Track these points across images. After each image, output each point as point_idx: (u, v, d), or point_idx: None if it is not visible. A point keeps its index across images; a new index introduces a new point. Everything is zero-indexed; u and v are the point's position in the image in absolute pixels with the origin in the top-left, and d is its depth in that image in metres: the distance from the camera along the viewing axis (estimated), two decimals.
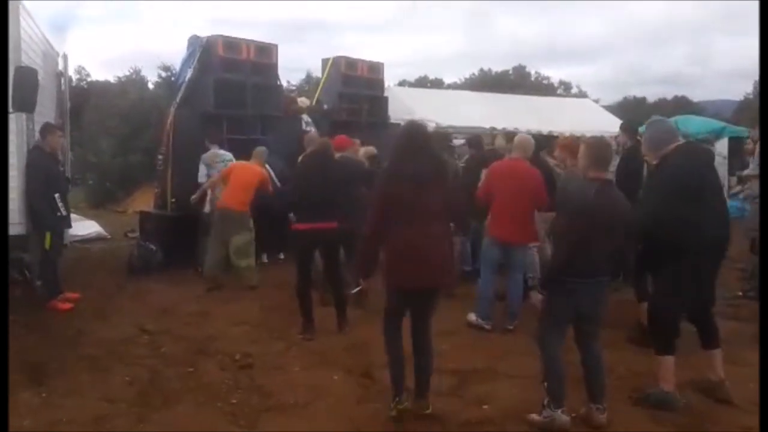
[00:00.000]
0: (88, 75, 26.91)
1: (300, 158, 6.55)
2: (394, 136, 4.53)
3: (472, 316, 5.94)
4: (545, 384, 3.88)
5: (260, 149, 7.83)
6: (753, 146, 9.85)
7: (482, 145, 8.09)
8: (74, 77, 23.24)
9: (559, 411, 3.80)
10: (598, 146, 4.06)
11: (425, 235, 3.80)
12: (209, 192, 7.82)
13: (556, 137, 9.55)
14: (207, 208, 7.92)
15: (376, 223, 3.92)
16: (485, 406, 4.20)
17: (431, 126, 12.19)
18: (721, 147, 13.48)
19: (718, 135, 14.06)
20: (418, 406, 3.97)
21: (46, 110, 7.20)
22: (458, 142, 12.27)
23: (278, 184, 8.24)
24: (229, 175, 7.41)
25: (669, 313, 4.20)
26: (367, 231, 3.99)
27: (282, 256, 8.81)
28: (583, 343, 3.95)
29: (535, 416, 3.90)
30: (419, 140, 4.00)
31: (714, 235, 4.15)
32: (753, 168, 7.05)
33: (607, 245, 3.79)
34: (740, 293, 7.03)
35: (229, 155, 8.16)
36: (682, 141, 4.46)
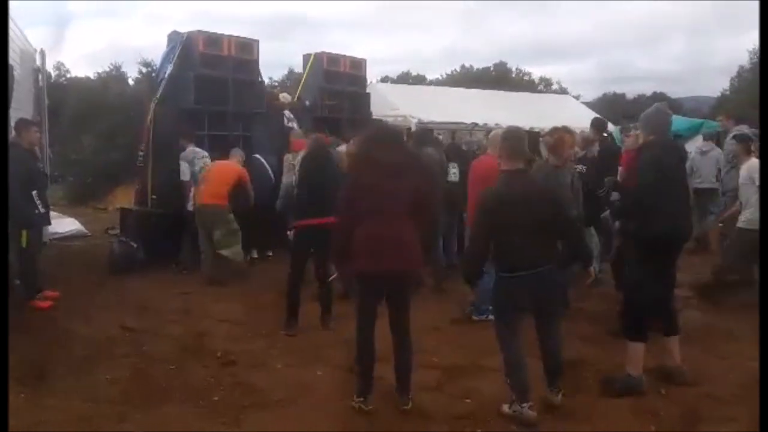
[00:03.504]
0: (67, 71, 26.58)
1: (301, 157, 6.48)
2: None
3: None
4: (507, 380, 3.95)
5: (236, 151, 7.98)
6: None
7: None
8: (53, 73, 22.88)
9: (526, 406, 3.83)
10: (513, 137, 4.10)
11: (388, 223, 3.90)
12: (192, 190, 7.81)
13: (537, 132, 9.59)
14: (190, 206, 7.88)
15: (345, 210, 4.06)
16: (468, 400, 4.23)
17: (413, 122, 12.25)
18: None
19: (697, 131, 14.24)
20: (399, 402, 4.03)
21: (22, 107, 7.10)
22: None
23: (272, 179, 8.24)
24: (207, 174, 7.57)
25: (643, 299, 4.31)
26: (338, 220, 4.17)
27: (270, 254, 8.78)
28: (540, 329, 4.02)
29: (505, 408, 3.97)
30: (389, 134, 4.22)
31: (678, 225, 4.39)
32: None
33: (535, 235, 3.80)
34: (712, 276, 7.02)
35: (204, 153, 8.11)
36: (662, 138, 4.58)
